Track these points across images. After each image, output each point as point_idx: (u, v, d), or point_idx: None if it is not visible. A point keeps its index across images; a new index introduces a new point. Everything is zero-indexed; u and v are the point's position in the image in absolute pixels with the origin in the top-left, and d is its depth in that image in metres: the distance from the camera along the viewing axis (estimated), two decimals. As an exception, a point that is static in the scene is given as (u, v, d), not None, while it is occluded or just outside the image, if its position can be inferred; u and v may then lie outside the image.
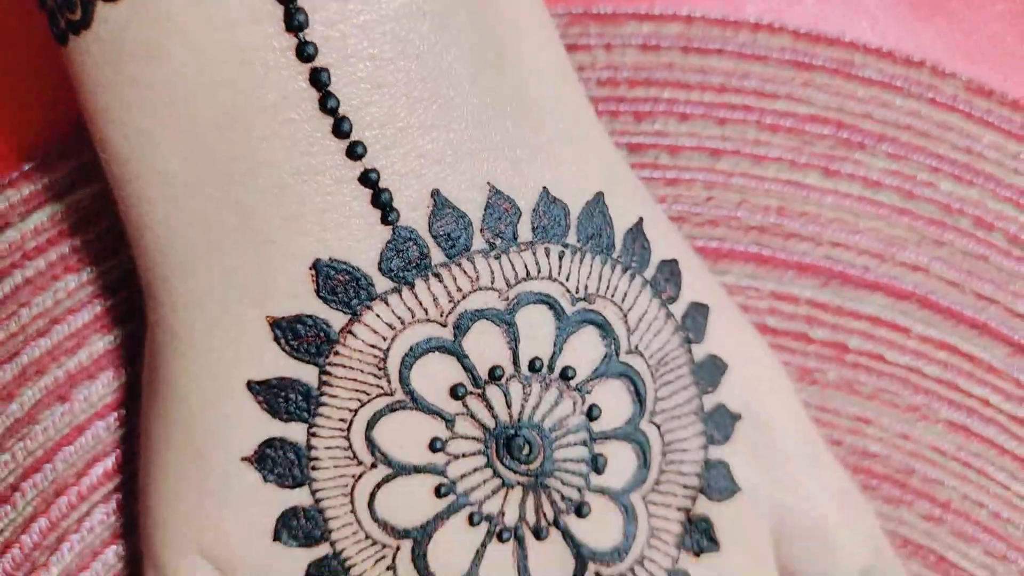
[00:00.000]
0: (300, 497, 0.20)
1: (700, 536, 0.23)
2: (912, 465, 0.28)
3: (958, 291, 0.28)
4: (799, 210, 0.28)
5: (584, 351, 0.21)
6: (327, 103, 0.18)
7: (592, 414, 0.21)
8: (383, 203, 0.19)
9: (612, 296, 0.21)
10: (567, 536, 0.21)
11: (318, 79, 0.18)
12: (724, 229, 0.28)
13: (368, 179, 0.19)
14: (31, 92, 0.27)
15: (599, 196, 0.22)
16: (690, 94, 0.28)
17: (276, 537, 0.20)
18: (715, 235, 0.28)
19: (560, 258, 0.21)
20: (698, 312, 0.23)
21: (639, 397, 0.22)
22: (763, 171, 0.28)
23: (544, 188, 0.21)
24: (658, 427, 0.22)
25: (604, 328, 0.21)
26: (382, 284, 0.20)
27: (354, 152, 0.19)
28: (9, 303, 0.26)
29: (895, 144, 0.28)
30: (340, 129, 0.18)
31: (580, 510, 0.21)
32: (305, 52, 0.18)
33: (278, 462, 0.20)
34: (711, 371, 0.23)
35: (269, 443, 0.20)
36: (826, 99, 0.28)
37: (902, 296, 0.28)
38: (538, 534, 0.21)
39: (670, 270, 0.23)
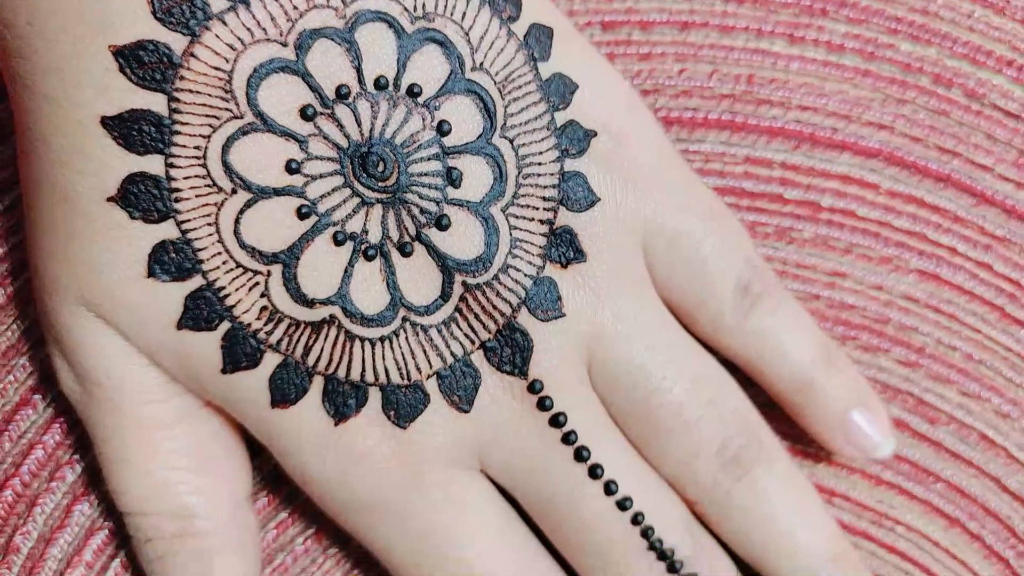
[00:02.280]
0: (167, 231, 0.21)
1: (566, 248, 0.23)
2: (887, 314, 0.29)
3: (922, 146, 0.29)
4: (768, 77, 0.29)
5: (428, 69, 0.22)
6: None
7: (442, 129, 0.22)
8: None
9: (451, 15, 0.22)
10: (431, 249, 0.22)
11: None
12: (697, 99, 0.29)
13: None
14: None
15: None
16: (658, -30, 0.29)
17: (150, 273, 0.21)
18: (689, 105, 0.29)
19: None
20: (541, 32, 0.23)
21: (488, 113, 0.22)
22: (731, 41, 0.29)
23: None
24: (511, 141, 0.22)
25: (446, 46, 0.22)
26: (218, 3, 0.20)
27: None
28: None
29: (855, 9, 0.29)
30: None
31: (440, 222, 0.22)
32: None
33: (141, 198, 0.20)
34: (560, 88, 0.23)
35: (130, 179, 0.20)
36: (787, -31, 0.29)
37: (869, 154, 0.29)
38: (403, 250, 0.22)
39: None
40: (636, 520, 0.24)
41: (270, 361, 0.22)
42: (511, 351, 0.23)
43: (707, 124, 0.29)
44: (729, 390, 0.26)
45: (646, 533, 0.25)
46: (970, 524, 0.29)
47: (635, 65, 0.29)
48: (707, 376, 0.25)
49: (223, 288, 0.21)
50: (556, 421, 0.23)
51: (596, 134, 0.24)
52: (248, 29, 0.20)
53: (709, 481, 0.25)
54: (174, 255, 0.21)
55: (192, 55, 0.20)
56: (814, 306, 0.29)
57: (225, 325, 0.22)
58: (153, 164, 0.20)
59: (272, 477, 0.27)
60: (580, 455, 0.24)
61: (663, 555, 0.25)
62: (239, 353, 0.22)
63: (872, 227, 0.29)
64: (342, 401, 0.22)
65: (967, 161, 0.29)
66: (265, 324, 0.22)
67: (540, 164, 0.23)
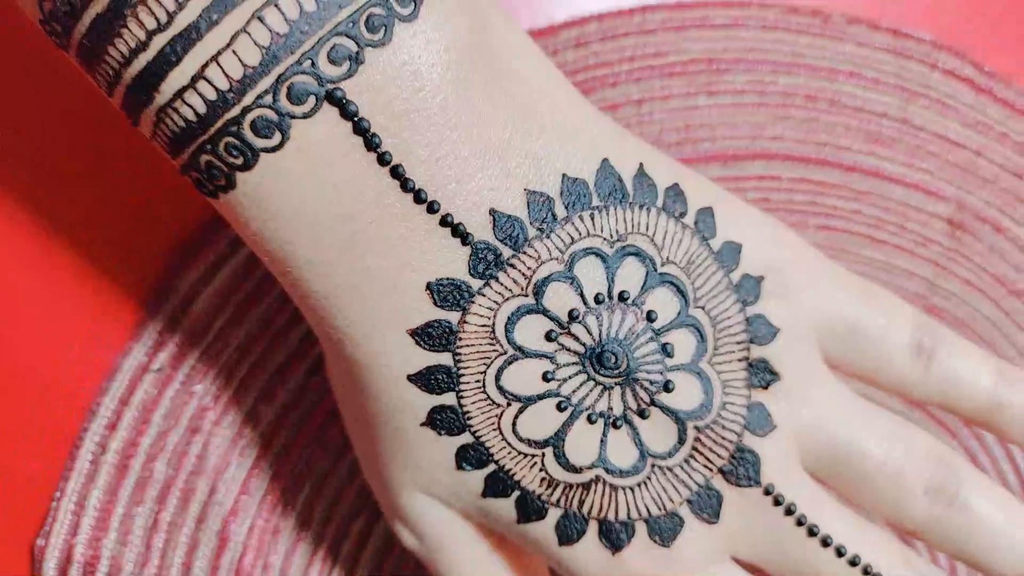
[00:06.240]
0: (466, 438, 0.28)
1: (763, 373, 0.28)
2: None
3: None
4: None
5: (630, 276, 0.27)
6: (406, 184, 0.25)
7: (651, 317, 0.27)
8: (461, 233, 0.26)
9: (639, 230, 0.28)
10: (664, 409, 0.27)
11: (400, 176, 0.25)
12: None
13: (446, 222, 0.26)
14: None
15: (605, 161, 0.28)
16: None
17: (458, 467, 0.28)
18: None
19: (592, 219, 0.27)
20: (705, 215, 0.29)
21: (682, 293, 0.28)
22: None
23: (563, 174, 0.27)
24: (703, 308, 0.28)
25: (640, 255, 0.27)
26: (476, 283, 0.26)
27: (432, 209, 0.26)
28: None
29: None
30: (419, 199, 0.26)
31: (667, 387, 0.27)
32: (384, 160, 0.25)
33: (444, 422, 0.27)
34: (730, 253, 0.29)
35: (434, 410, 0.27)
36: None
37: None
38: (642, 414, 0.27)
39: (675, 193, 0.29)
40: (867, 571, 0.28)
41: (554, 513, 0.28)
42: (744, 469, 0.28)
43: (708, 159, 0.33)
44: (915, 432, 0.30)
45: None
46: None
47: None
48: (895, 430, 0.29)
49: (511, 470, 0.28)
50: (789, 511, 0.28)
51: (763, 278, 0.29)
52: (499, 293, 0.27)
53: (924, 515, 0.29)
54: (472, 453, 0.28)
55: (465, 322, 0.27)
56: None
57: (516, 493, 0.28)
58: (448, 398, 0.27)
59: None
60: (812, 531, 0.28)
61: None
62: (529, 510, 0.28)
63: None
64: (616, 536, 0.28)
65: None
66: (546, 489, 0.28)
67: (729, 318, 0.28)
